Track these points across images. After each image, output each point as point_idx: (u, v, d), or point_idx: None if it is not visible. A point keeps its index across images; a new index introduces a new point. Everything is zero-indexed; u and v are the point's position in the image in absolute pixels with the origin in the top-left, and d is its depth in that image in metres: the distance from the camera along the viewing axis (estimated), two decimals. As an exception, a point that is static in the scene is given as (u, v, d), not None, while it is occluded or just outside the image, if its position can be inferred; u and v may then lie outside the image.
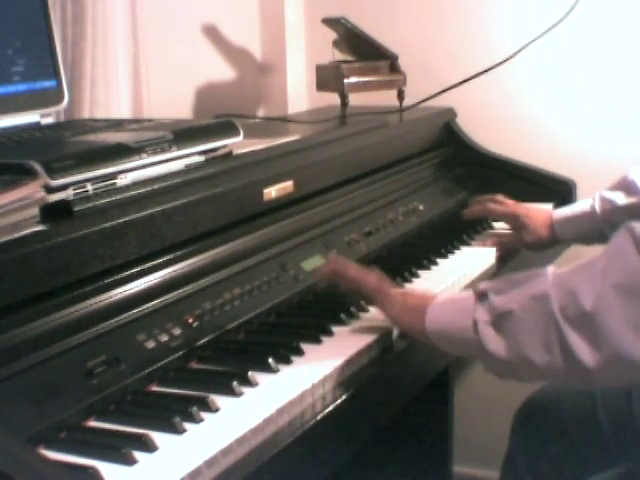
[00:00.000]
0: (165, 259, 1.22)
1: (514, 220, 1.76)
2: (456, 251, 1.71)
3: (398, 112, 2.02)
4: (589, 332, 1.04)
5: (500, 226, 1.88)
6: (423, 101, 2.04)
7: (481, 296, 1.15)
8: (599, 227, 1.66)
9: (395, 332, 1.29)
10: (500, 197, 1.81)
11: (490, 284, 1.17)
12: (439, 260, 1.63)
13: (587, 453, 1.46)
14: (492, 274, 1.64)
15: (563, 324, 1.05)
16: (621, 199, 1.64)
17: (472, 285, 1.54)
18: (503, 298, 1.13)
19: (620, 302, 1.03)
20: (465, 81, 1.98)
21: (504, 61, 1.97)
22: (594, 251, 1.11)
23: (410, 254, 1.66)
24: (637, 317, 1.02)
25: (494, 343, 1.11)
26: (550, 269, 1.11)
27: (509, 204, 1.79)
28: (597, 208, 1.66)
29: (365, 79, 1.98)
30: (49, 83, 1.47)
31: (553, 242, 1.72)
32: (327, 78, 2.01)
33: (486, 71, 1.97)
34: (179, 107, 2.06)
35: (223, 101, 2.18)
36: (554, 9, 2.00)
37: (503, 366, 1.13)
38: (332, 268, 1.38)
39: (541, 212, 1.75)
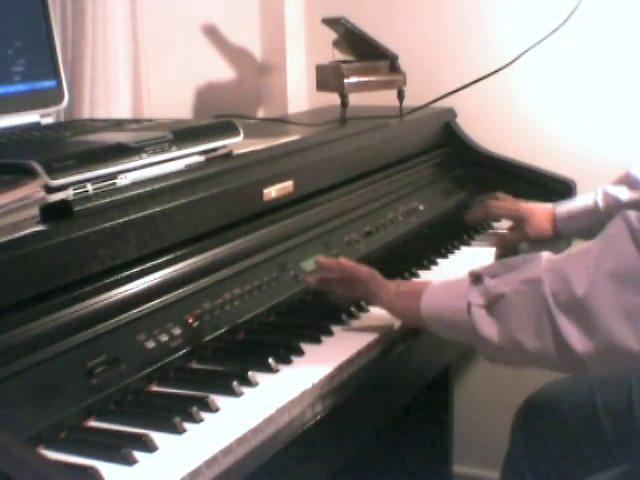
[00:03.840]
0: (165, 259, 1.22)
1: (516, 216, 1.76)
2: (456, 251, 1.71)
3: (398, 112, 2.02)
4: (580, 318, 1.05)
5: (499, 226, 1.88)
6: (426, 105, 2.03)
7: (476, 279, 1.16)
8: (602, 222, 1.65)
9: (396, 324, 1.29)
10: (500, 195, 1.81)
11: (486, 268, 1.19)
12: (439, 260, 1.63)
13: (587, 453, 1.46)
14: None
15: (555, 309, 1.06)
16: (624, 194, 1.64)
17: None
18: (497, 281, 1.14)
19: (612, 289, 1.03)
20: (468, 85, 1.98)
21: (506, 66, 1.97)
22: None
23: (410, 254, 1.66)
24: (629, 305, 1.02)
25: (486, 326, 1.12)
26: (545, 254, 1.13)
27: (509, 200, 1.80)
28: (600, 203, 1.66)
29: (365, 79, 1.98)
30: (49, 83, 1.47)
31: (556, 237, 1.73)
32: (327, 78, 2.00)
33: (489, 75, 1.97)
34: (179, 107, 2.05)
35: (223, 101, 2.18)
36: (554, 8, 2.01)
37: (495, 350, 1.14)
38: (324, 260, 1.38)
39: (543, 207, 1.76)
